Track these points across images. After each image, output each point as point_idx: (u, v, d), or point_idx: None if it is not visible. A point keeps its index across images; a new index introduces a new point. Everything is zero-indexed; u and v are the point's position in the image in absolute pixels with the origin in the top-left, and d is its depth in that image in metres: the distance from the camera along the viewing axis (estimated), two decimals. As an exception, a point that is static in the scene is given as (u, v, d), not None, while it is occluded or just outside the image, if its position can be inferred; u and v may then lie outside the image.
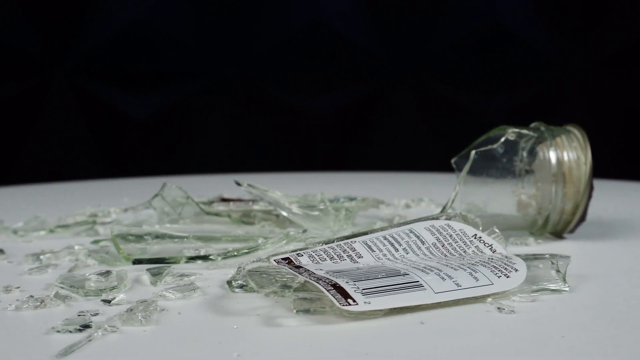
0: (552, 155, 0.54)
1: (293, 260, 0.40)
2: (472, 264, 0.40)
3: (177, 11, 1.33)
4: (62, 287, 0.41)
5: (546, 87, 1.35)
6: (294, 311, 0.36)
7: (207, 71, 1.35)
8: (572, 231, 0.55)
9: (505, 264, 0.40)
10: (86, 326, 0.34)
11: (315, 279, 0.36)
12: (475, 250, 0.42)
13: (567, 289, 0.40)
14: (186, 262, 0.47)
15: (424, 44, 1.35)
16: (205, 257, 0.47)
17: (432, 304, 0.37)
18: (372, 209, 0.65)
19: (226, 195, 0.68)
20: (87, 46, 1.31)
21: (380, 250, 0.42)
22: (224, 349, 0.32)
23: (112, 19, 1.31)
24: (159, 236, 0.52)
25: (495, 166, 0.54)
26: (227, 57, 1.35)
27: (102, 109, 1.33)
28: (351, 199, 0.62)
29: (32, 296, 0.39)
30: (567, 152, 0.54)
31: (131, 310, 0.36)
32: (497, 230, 0.44)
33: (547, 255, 0.43)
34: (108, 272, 0.41)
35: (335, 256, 0.41)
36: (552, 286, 0.40)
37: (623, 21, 1.31)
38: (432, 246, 0.43)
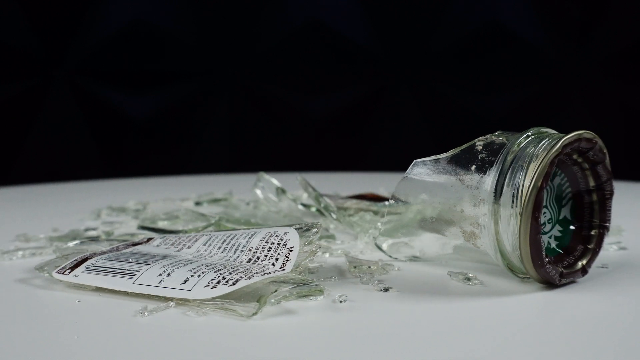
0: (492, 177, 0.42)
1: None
2: (231, 270, 0.40)
3: (177, 11, 1.33)
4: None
5: (546, 87, 1.35)
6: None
7: (208, 71, 1.35)
8: (560, 276, 0.42)
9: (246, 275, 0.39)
10: None
11: (83, 254, 0.45)
12: (271, 262, 0.42)
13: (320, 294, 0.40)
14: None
15: (424, 44, 1.35)
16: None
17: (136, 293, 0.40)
18: None
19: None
20: (87, 46, 1.31)
21: (210, 245, 0.45)
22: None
23: (112, 18, 1.31)
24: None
25: (441, 184, 0.44)
26: (227, 57, 1.35)
27: (102, 109, 1.33)
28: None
29: None
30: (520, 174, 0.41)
31: None
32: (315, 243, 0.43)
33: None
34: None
35: (177, 243, 0.46)
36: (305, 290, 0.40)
37: (623, 21, 1.31)
38: (246, 249, 0.43)
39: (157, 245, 0.46)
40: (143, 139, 1.35)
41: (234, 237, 0.44)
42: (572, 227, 0.44)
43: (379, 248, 0.49)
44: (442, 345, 0.33)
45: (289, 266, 0.40)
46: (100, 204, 0.76)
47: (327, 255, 0.51)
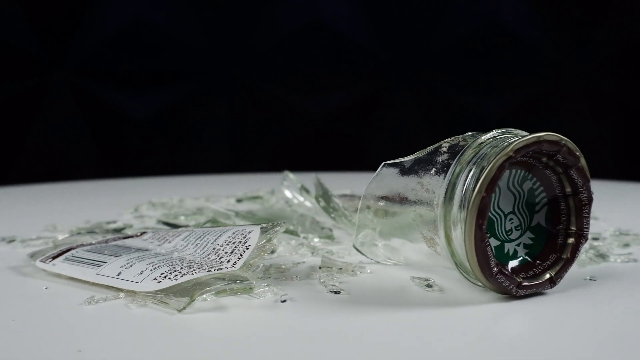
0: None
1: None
2: (183, 265, 0.42)
3: (177, 11, 1.33)
4: None
5: (546, 87, 1.35)
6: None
7: (207, 71, 1.35)
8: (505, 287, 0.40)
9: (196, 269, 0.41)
10: None
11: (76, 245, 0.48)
12: (228, 259, 0.43)
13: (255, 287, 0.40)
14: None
15: (424, 44, 1.35)
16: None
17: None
18: None
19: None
20: (87, 46, 1.31)
21: (185, 240, 0.47)
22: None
23: (112, 18, 1.31)
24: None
25: (405, 187, 0.43)
26: (227, 57, 1.35)
27: (102, 109, 1.33)
28: None
29: None
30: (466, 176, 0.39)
31: None
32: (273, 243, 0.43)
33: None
34: None
35: (161, 238, 0.48)
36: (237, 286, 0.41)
37: (623, 21, 1.31)
38: (212, 246, 0.44)
39: (145, 239, 0.48)
40: (143, 139, 1.35)
41: (208, 234, 0.45)
42: (546, 235, 0.41)
43: (358, 250, 0.47)
44: (353, 357, 0.32)
45: (239, 264, 0.41)
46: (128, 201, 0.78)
47: (311, 254, 0.51)
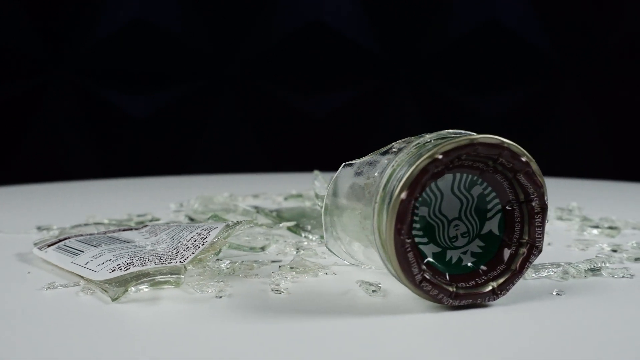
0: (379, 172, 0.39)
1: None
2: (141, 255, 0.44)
3: (177, 11, 1.32)
4: None
5: (546, 86, 1.35)
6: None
7: (207, 71, 1.35)
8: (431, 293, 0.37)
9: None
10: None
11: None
12: (184, 253, 0.44)
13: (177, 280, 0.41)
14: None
15: (424, 44, 1.35)
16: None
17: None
18: None
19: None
20: (87, 46, 1.31)
21: (158, 235, 0.49)
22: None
23: (112, 18, 1.31)
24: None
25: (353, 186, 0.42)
26: (227, 57, 1.35)
27: (102, 109, 1.33)
28: None
29: None
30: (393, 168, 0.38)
31: None
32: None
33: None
34: None
35: (151, 231, 0.49)
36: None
37: (623, 21, 1.30)
38: (182, 241, 0.46)
39: (140, 232, 0.50)
40: (143, 138, 1.35)
41: (186, 229, 0.47)
42: (498, 244, 0.39)
43: (331, 251, 0.46)
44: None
45: (189, 258, 0.43)
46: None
47: (295, 253, 0.51)
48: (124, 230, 0.51)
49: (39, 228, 0.60)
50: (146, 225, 0.52)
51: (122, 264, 0.42)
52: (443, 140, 0.37)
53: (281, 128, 1.37)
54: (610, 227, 0.59)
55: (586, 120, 1.31)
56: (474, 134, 0.38)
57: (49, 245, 0.48)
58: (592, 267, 0.45)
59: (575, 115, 1.32)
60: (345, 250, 0.45)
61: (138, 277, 0.41)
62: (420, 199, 0.38)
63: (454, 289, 0.37)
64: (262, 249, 0.52)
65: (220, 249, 0.44)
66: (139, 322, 0.37)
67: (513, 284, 0.38)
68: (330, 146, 1.38)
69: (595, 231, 0.59)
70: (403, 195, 0.36)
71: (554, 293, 0.41)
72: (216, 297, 0.40)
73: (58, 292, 0.42)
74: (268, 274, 0.45)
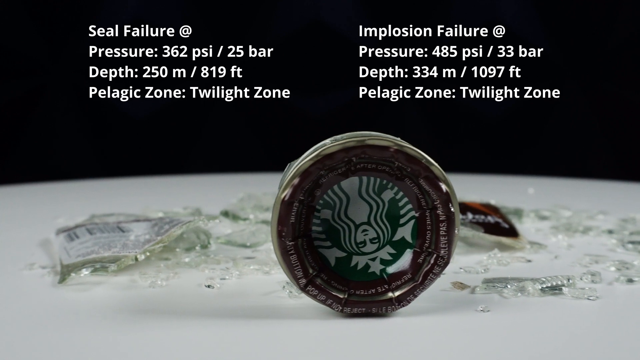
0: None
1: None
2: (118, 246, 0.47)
3: (177, 11, 1.32)
4: None
5: (546, 87, 1.34)
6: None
7: (207, 71, 1.35)
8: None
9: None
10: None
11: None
12: (148, 245, 0.46)
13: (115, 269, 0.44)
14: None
15: (424, 44, 1.35)
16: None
17: None
18: None
19: None
20: (87, 46, 1.31)
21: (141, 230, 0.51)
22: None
23: (112, 18, 1.31)
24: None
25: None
26: (227, 57, 1.34)
27: (102, 109, 1.33)
28: None
29: None
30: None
31: None
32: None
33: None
34: None
35: (153, 224, 0.50)
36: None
37: (623, 21, 1.30)
38: (156, 233, 0.48)
39: (141, 224, 0.52)
40: (143, 138, 1.35)
41: (167, 224, 0.49)
42: (410, 252, 0.37)
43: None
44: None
45: (141, 249, 0.45)
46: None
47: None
48: (134, 221, 0.53)
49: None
50: (162, 218, 0.53)
51: (89, 252, 0.45)
52: (340, 141, 0.36)
53: (281, 128, 1.37)
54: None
55: (587, 120, 1.31)
56: (379, 135, 0.36)
57: (63, 232, 0.52)
58: (550, 285, 0.41)
59: (575, 115, 1.31)
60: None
61: (85, 264, 0.43)
62: (321, 201, 0.37)
63: (346, 296, 0.36)
64: (250, 246, 0.53)
65: (165, 244, 0.47)
66: (65, 304, 0.39)
67: (415, 296, 0.36)
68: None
69: (630, 245, 0.53)
70: (284, 196, 0.34)
71: (479, 309, 0.38)
72: (150, 287, 0.43)
73: (33, 273, 0.46)
74: (218, 268, 0.47)
